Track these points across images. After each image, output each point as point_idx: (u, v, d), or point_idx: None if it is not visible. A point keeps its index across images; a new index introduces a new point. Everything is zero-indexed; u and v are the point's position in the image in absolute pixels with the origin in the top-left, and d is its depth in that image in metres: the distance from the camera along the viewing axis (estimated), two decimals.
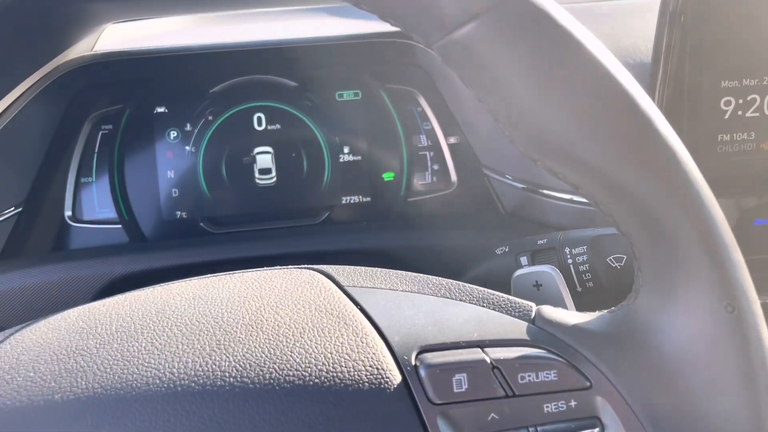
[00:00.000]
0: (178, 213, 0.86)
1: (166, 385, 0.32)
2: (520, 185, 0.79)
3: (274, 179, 0.87)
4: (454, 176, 0.88)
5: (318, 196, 0.87)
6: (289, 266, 0.44)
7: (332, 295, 0.39)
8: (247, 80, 0.86)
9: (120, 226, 0.84)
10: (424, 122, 0.89)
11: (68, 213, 0.84)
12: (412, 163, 0.88)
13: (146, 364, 0.33)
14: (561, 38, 0.31)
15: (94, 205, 0.85)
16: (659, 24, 0.65)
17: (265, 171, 0.87)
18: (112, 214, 0.84)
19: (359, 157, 0.88)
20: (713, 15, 0.63)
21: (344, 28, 0.88)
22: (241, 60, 0.86)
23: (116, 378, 0.33)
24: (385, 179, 0.88)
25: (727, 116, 0.63)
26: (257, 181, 0.87)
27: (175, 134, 0.85)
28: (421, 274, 0.42)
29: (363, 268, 0.43)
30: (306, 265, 0.44)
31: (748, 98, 0.62)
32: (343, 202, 0.88)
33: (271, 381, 0.32)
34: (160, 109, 0.85)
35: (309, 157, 0.87)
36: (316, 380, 0.32)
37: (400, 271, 0.42)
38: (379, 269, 0.43)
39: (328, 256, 0.76)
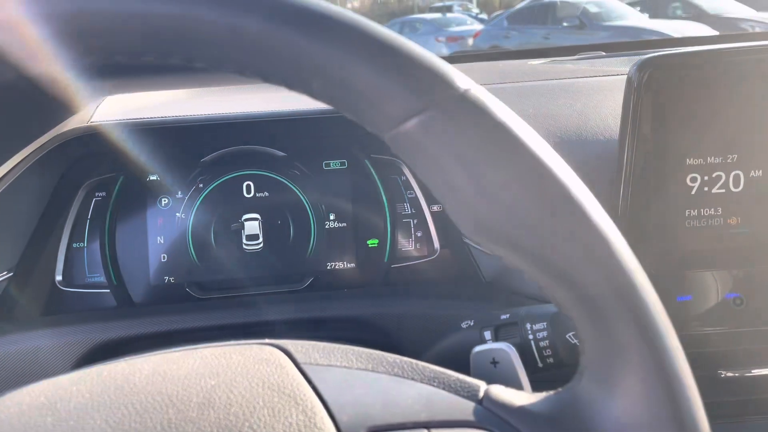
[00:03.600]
0: (166, 278, 0.87)
1: None
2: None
3: (261, 245, 0.89)
4: (437, 243, 0.90)
5: (303, 261, 0.89)
6: (251, 341, 0.45)
7: (287, 373, 0.40)
8: (237, 150, 0.90)
9: (109, 290, 0.86)
10: (407, 191, 0.91)
11: (59, 278, 0.86)
12: (396, 230, 0.90)
13: None
14: (497, 132, 0.33)
15: (84, 270, 0.87)
16: (625, 100, 0.67)
17: (252, 237, 0.89)
18: (101, 278, 0.86)
19: (345, 224, 0.90)
20: (677, 93, 0.65)
21: None
22: (232, 131, 0.89)
23: None
24: (370, 245, 0.90)
25: (693, 192, 0.65)
26: (245, 247, 0.89)
27: (166, 201, 0.88)
28: (378, 351, 0.43)
29: (323, 343, 0.44)
30: (267, 340, 0.45)
31: (714, 175, 0.64)
32: (328, 267, 0.89)
33: None
34: (153, 177, 0.88)
35: (295, 223, 0.89)
36: None
37: (358, 348, 0.43)
38: (338, 345, 0.44)
39: (311, 323, 0.77)
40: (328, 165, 0.91)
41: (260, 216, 0.89)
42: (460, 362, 0.51)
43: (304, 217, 0.89)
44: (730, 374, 0.69)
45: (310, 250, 0.89)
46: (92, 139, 0.86)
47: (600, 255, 0.33)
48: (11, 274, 0.81)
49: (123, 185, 0.87)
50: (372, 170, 0.90)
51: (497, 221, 0.33)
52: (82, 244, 0.87)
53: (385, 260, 0.89)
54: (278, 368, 0.40)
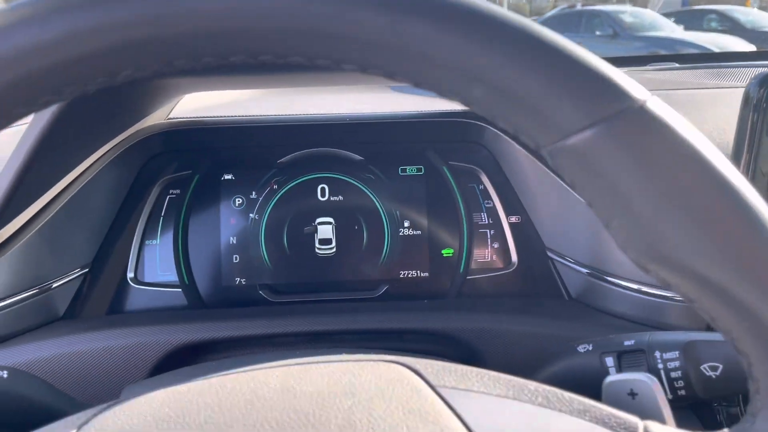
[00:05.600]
0: (238, 279, 0.86)
1: None
2: (585, 270, 0.78)
3: (334, 250, 0.87)
4: (514, 256, 0.87)
5: (376, 268, 0.87)
6: (373, 356, 0.43)
7: (424, 397, 0.37)
8: (314, 152, 0.88)
9: (180, 289, 0.85)
10: (485, 200, 0.89)
11: (131, 275, 0.85)
12: (472, 241, 0.87)
13: None
14: (682, 149, 0.30)
15: (156, 267, 0.86)
16: (742, 116, 0.64)
17: (325, 241, 0.87)
18: (173, 277, 0.85)
19: (419, 232, 0.88)
20: None
21: (410, 105, 0.89)
22: (309, 132, 0.88)
23: None
24: (444, 255, 0.88)
25: None
26: (317, 251, 0.87)
27: (240, 201, 0.87)
28: (516, 378, 0.40)
29: (452, 365, 0.42)
30: (391, 357, 0.43)
31: None
32: (402, 276, 0.87)
33: None
34: (228, 177, 0.87)
35: (369, 229, 0.87)
36: None
37: (493, 373, 0.41)
38: (470, 367, 0.41)
39: (390, 334, 0.75)
40: (404, 170, 0.89)
41: (334, 220, 0.87)
42: (583, 390, 0.48)
43: (378, 223, 0.87)
44: None
45: (383, 257, 0.87)
46: (170, 136, 0.85)
47: None
48: (87, 270, 0.81)
49: (198, 183, 0.86)
50: (450, 177, 0.88)
51: (675, 245, 0.31)
52: (155, 242, 0.86)
53: (461, 271, 0.86)
54: (414, 390, 0.38)
